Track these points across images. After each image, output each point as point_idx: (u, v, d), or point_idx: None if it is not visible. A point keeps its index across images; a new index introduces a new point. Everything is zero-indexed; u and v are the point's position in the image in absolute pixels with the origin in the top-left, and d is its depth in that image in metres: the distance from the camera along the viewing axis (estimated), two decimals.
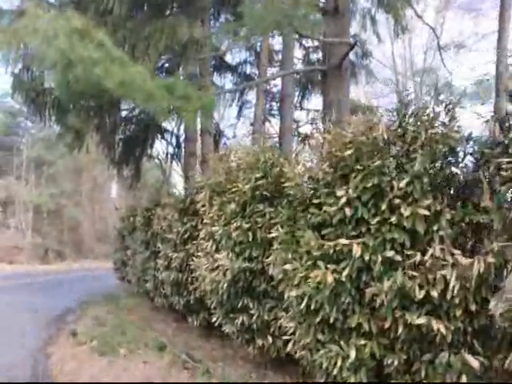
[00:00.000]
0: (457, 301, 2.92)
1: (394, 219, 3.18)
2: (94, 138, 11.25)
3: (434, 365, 3.06)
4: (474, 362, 2.84)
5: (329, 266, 3.32)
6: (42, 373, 5.25)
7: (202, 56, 8.08)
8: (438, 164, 3.40)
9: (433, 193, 3.24)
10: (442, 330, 2.90)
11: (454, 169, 3.41)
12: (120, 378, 4.98)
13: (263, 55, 11.36)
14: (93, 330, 7.12)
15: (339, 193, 3.43)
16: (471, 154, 3.43)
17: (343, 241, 3.26)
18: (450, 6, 19.34)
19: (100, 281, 15.41)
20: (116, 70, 4.55)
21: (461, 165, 3.41)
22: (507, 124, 3.20)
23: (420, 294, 2.97)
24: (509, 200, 3.01)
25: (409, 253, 3.13)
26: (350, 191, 3.38)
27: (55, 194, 29.29)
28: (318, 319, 3.45)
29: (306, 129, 15.47)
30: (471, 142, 3.49)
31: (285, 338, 4.05)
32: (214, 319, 5.23)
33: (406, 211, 3.13)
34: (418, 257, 3.05)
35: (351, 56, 9.25)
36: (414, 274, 3.04)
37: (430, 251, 3.03)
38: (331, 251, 3.33)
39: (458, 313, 2.95)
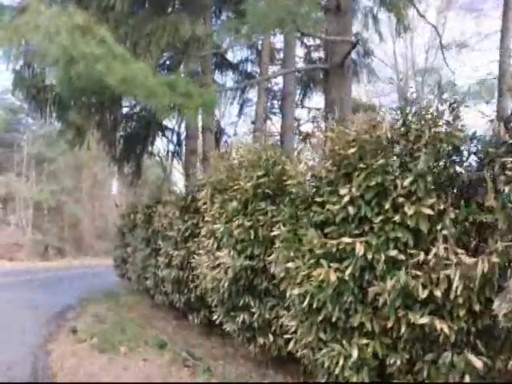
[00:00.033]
0: (460, 301, 2.90)
1: (397, 218, 3.16)
2: (94, 135, 11.21)
3: (436, 365, 3.05)
4: (478, 362, 2.82)
5: (331, 264, 3.31)
6: (42, 370, 5.23)
7: (204, 53, 8.04)
8: (441, 163, 3.38)
9: (436, 192, 3.22)
10: (446, 329, 2.88)
11: (457, 168, 3.40)
12: (120, 376, 4.96)
13: (264, 53, 11.34)
14: (93, 327, 7.10)
15: (342, 191, 3.41)
16: (475, 154, 3.42)
17: (346, 239, 3.25)
18: (451, 5, 19.32)
19: (100, 278, 15.40)
20: (118, 67, 4.52)
21: (465, 164, 3.39)
22: None
23: (423, 294, 2.96)
24: None
25: (412, 252, 3.11)
26: (354, 190, 3.36)
27: (56, 190, 29.28)
28: (320, 318, 3.43)
29: (307, 127, 15.48)
30: (475, 141, 3.47)
31: (286, 336, 4.04)
32: (214, 317, 5.22)
33: (409, 210, 3.11)
34: (422, 256, 3.03)
35: (353, 54, 9.22)
36: (418, 273, 3.02)
37: (434, 250, 3.01)
38: (334, 250, 3.31)
39: (462, 313, 2.93)
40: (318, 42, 13.72)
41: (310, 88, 13.94)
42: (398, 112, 3.72)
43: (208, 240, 5.22)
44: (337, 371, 3.32)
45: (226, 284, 4.58)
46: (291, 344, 3.94)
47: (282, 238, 3.90)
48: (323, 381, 3.65)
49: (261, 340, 4.57)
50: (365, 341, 3.25)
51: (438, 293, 2.92)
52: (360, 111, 5.95)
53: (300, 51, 13.89)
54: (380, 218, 3.25)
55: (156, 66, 7.82)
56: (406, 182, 3.21)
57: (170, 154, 14.29)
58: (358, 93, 17.62)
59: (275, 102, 15.02)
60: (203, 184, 5.81)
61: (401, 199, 3.21)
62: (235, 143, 6.26)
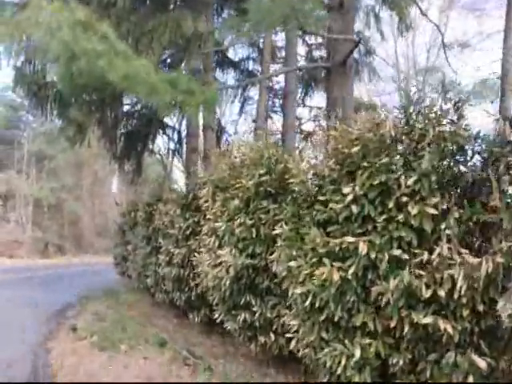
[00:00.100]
0: (464, 301, 2.88)
1: (401, 217, 3.14)
2: (95, 133, 11.20)
3: (439, 365, 3.03)
4: (481, 363, 2.80)
5: (334, 263, 3.29)
6: (43, 368, 5.21)
7: (206, 50, 8.01)
8: (446, 162, 3.36)
9: (440, 191, 3.20)
10: (449, 329, 2.86)
11: (462, 167, 3.37)
12: (120, 374, 4.94)
13: (266, 52, 11.29)
14: (93, 325, 7.09)
15: (346, 190, 3.38)
16: (479, 153, 3.39)
17: (349, 238, 3.22)
18: (453, 5, 19.28)
19: (100, 276, 15.39)
20: (120, 63, 4.50)
21: (469, 163, 3.37)
22: None
23: (427, 294, 2.94)
24: None
25: (416, 251, 3.09)
26: (357, 188, 3.34)
27: (56, 188, 29.28)
28: (322, 317, 3.41)
29: (308, 126, 15.45)
30: (479, 141, 3.45)
31: (287, 335, 4.02)
32: (215, 316, 5.20)
33: (413, 209, 3.09)
34: (426, 256, 3.01)
35: (354, 53, 9.19)
36: (421, 272, 3.00)
37: (438, 250, 2.99)
38: (337, 249, 3.29)
39: (466, 313, 2.91)
40: (319, 40, 13.69)
41: (311, 87, 13.91)
42: (402, 111, 3.70)
43: (209, 238, 5.20)
44: (339, 371, 3.30)
45: (228, 282, 4.56)
46: (293, 343, 3.92)
47: (285, 237, 3.88)
48: (325, 380, 3.63)
49: (262, 339, 4.55)
50: (367, 340, 3.23)
51: (441, 293, 2.90)
52: (361, 110, 5.94)
53: (301, 50, 13.86)
54: (383, 217, 3.23)
55: (158, 63, 7.79)
56: (410, 181, 3.18)
57: (170, 152, 14.29)
58: (359, 92, 17.58)
59: (276, 100, 15.00)
60: (204, 182, 5.79)
61: (404, 198, 3.18)
62: (237, 141, 6.23)
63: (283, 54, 13.72)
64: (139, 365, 5.20)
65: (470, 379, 2.86)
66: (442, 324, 2.89)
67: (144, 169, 14.79)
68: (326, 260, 3.33)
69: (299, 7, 4.86)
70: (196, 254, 5.67)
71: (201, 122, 11.15)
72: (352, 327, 3.34)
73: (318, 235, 3.45)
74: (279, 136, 11.64)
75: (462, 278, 2.85)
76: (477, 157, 3.41)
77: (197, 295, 6.11)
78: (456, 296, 2.87)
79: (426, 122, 3.44)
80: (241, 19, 6.96)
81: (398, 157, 3.45)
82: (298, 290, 3.53)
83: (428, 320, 2.94)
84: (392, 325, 3.12)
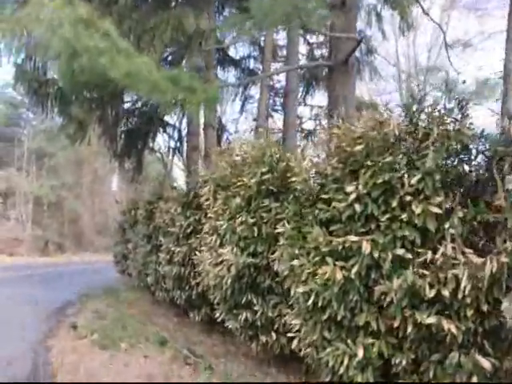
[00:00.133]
0: (468, 301, 2.86)
1: (404, 216, 3.12)
2: (96, 131, 11.17)
3: (442, 365, 3.01)
4: (485, 363, 2.78)
5: (337, 262, 3.27)
6: (43, 366, 5.19)
7: (208, 48, 7.98)
8: (450, 161, 3.34)
9: (444, 190, 3.18)
10: (453, 330, 2.84)
11: (466, 166, 3.36)
12: (121, 373, 4.93)
13: (267, 50, 11.26)
14: (93, 323, 7.07)
15: (349, 188, 3.36)
16: (484, 152, 3.37)
17: (352, 237, 3.20)
18: (455, 4, 19.22)
19: (100, 274, 15.38)
20: (122, 61, 4.47)
21: (473, 162, 3.35)
22: None
23: (430, 293, 2.92)
24: None
25: (419, 251, 3.07)
26: (360, 187, 3.32)
27: (56, 185, 29.27)
28: (324, 316, 3.39)
29: (309, 125, 15.43)
30: (483, 140, 3.43)
31: (289, 335, 4.00)
32: (216, 315, 5.17)
33: (417, 208, 3.07)
34: (429, 255, 2.99)
35: (356, 52, 9.17)
36: (425, 272, 2.98)
37: (442, 250, 2.97)
38: (340, 248, 3.27)
39: (470, 313, 2.89)
40: (320, 39, 13.66)
41: (312, 85, 13.87)
42: (405, 109, 3.68)
43: (210, 237, 5.18)
44: (341, 370, 3.28)
45: (229, 281, 4.54)
46: (294, 342, 3.90)
47: (287, 236, 3.86)
48: (327, 380, 3.61)
49: (263, 338, 4.54)
50: (370, 340, 3.22)
51: (445, 292, 2.88)
52: (362, 109, 5.91)
53: (303, 48, 13.82)
54: (387, 216, 3.21)
55: (159, 61, 7.76)
56: (414, 180, 3.16)
57: (170, 150, 14.26)
58: (360, 91, 17.54)
59: (277, 99, 14.97)
60: (206, 180, 5.77)
61: (408, 197, 3.16)
62: (238, 140, 6.21)
63: (284, 52, 13.69)
64: (140, 363, 5.19)
65: (474, 379, 2.84)
66: (445, 324, 2.87)
67: (144, 167, 14.75)
68: (329, 259, 3.31)
69: (302, 5, 4.84)
70: (197, 252, 5.65)
71: (201, 120, 11.13)
72: (355, 327, 3.33)
73: (320, 234, 3.43)
74: (280, 135, 11.60)
75: (466, 278, 2.83)
76: (481, 156, 3.40)
77: (197, 294, 6.09)
78: (460, 296, 2.85)
79: (430, 120, 3.43)
80: (243, 17, 6.93)
81: (402, 156, 3.43)
82: (301, 289, 3.51)
83: (431, 320, 2.92)
84: (395, 325, 3.10)
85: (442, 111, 3.46)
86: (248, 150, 5.06)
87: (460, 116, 3.40)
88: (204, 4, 8.26)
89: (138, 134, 11.85)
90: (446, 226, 3.05)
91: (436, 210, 3.05)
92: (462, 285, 2.84)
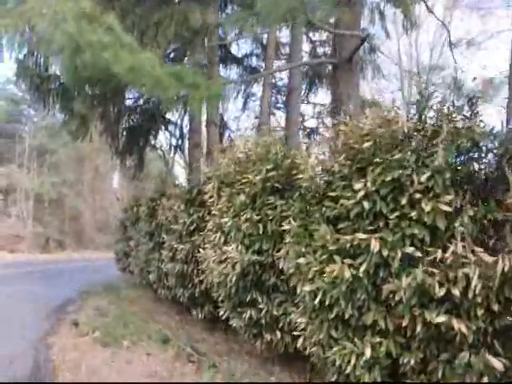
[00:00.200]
0: (479, 300, 2.81)
1: (414, 214, 3.07)
2: (97, 127, 11.12)
3: (451, 364, 2.97)
4: (497, 363, 2.74)
5: (345, 260, 3.22)
6: (44, 363, 5.15)
7: (212, 44, 7.92)
8: (460, 159, 3.29)
9: (454, 188, 3.13)
10: (463, 329, 2.80)
11: (476, 164, 3.31)
12: (123, 370, 4.89)
13: (270, 48, 11.19)
14: (94, 320, 7.04)
15: (357, 186, 3.32)
16: (494, 150, 3.32)
17: (361, 235, 3.16)
18: (458, 3, 19.15)
19: (100, 271, 15.37)
20: (125, 56, 4.42)
21: (484, 160, 3.30)
22: None
23: (440, 292, 2.87)
24: None
25: (429, 249, 3.03)
26: (369, 184, 3.27)
27: (57, 182, 29.25)
28: (332, 315, 3.35)
29: (311, 123, 15.39)
30: (492, 138, 3.38)
31: (295, 333, 3.96)
32: (220, 313, 5.13)
33: (426, 206, 3.02)
34: (439, 254, 2.94)
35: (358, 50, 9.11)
36: (434, 271, 2.93)
37: (452, 248, 2.92)
38: (348, 246, 3.22)
39: (480, 312, 2.85)
40: (323, 37, 13.62)
41: (315, 83, 13.82)
42: (414, 106, 3.64)
43: (214, 234, 5.13)
44: (348, 370, 3.24)
45: (234, 279, 4.49)
46: (300, 341, 3.86)
47: (293, 233, 3.81)
48: (333, 379, 3.57)
49: (268, 337, 4.49)
50: (378, 339, 3.17)
51: (455, 291, 2.83)
52: (365, 107, 5.83)
53: (305, 46, 13.76)
54: (396, 213, 3.16)
55: (163, 56, 7.70)
56: (423, 178, 3.11)
57: (172, 147, 14.22)
58: (362, 90, 17.46)
59: (279, 97, 14.91)
60: (209, 177, 5.72)
61: (418, 195, 3.11)
62: (242, 137, 6.16)
63: (287, 50, 13.64)
64: (142, 361, 5.16)
65: (485, 380, 2.80)
66: (455, 323, 2.82)
67: (145, 164, 14.73)
68: (336, 257, 3.26)
69: (308, 0, 4.78)
70: (200, 249, 5.60)
71: (203, 117, 11.08)
72: (362, 325, 3.28)
73: (328, 232, 3.39)
74: (282, 133, 11.54)
75: (476, 277, 2.79)
76: (491, 154, 3.35)
77: (201, 292, 6.05)
78: (470, 295, 2.81)
79: (439, 117, 3.38)
80: (246, 14, 6.88)
81: (410, 153, 3.38)
82: (307, 288, 3.47)
83: (441, 319, 2.87)
84: (404, 324, 3.05)
85: (451, 108, 3.42)
86: (252, 147, 5.01)
87: (470, 113, 3.35)
88: (208, 0, 8.19)
89: (139, 131, 11.80)
90: (456, 224, 3.01)
91: (446, 208, 3.01)
92: (473, 284, 2.79)
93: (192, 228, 6.26)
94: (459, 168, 3.26)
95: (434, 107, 3.50)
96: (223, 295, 4.93)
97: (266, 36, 12.04)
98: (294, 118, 10.83)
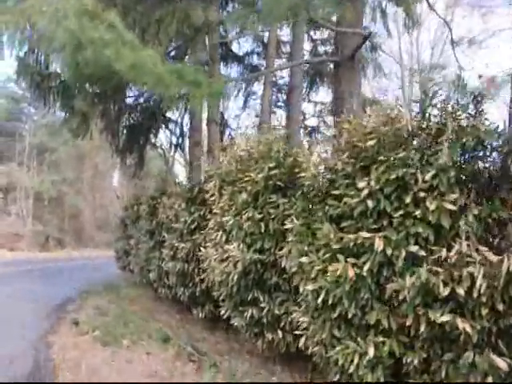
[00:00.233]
0: (483, 299, 2.79)
1: (418, 213, 3.05)
2: (98, 125, 11.08)
3: (455, 364, 2.95)
4: (501, 363, 2.72)
5: (348, 259, 3.20)
6: (44, 362, 5.13)
7: (213, 42, 7.88)
8: (464, 157, 3.27)
9: (459, 186, 3.11)
10: (468, 329, 2.77)
11: (481, 163, 3.28)
12: (123, 369, 4.87)
13: (271, 46, 11.15)
14: (95, 319, 7.01)
15: (361, 184, 3.29)
16: (499, 148, 3.29)
17: (364, 234, 3.13)
18: (459, 2, 19.10)
19: (100, 270, 15.35)
20: (127, 53, 4.39)
21: (489, 159, 3.27)
22: None
23: (445, 292, 2.85)
24: None
25: (433, 248, 3.00)
26: (372, 183, 3.25)
27: (57, 181, 29.21)
28: (334, 314, 3.32)
29: (312, 121, 15.36)
30: (498, 136, 3.35)
31: (297, 332, 3.94)
32: (222, 312, 5.11)
33: (431, 205, 3.00)
34: (444, 252, 2.92)
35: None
36: (439, 270, 2.91)
37: (456, 247, 2.90)
38: (351, 244, 3.20)
39: (485, 312, 2.82)
40: (324, 35, 13.57)
41: (316, 82, 13.78)
42: (416, 105, 3.62)
43: (216, 232, 5.11)
44: (351, 369, 3.22)
45: (235, 278, 4.47)
46: (302, 340, 3.84)
47: (296, 232, 3.79)
48: (335, 379, 3.55)
49: (269, 336, 4.47)
50: (381, 339, 3.15)
51: (460, 291, 2.81)
52: (366, 106, 5.78)
53: (306, 45, 13.71)
54: (400, 212, 3.14)
55: (164, 54, 7.67)
56: (428, 176, 3.09)
57: (172, 146, 14.18)
58: (363, 88, 17.41)
59: (280, 95, 14.88)
60: (211, 175, 5.69)
61: (422, 193, 3.09)
62: (243, 135, 6.13)
63: (288, 48, 13.60)
64: (143, 360, 5.13)
65: (489, 380, 2.77)
66: (460, 323, 2.80)
67: (146, 163, 14.69)
68: (340, 256, 3.23)
69: None
70: (201, 248, 5.58)
71: (204, 115, 11.05)
72: (365, 325, 3.26)
73: (331, 230, 3.37)
74: (283, 131, 11.50)
75: (481, 276, 2.76)
76: (495, 152, 3.32)
77: (201, 290, 6.03)
78: (475, 294, 2.78)
79: (444, 115, 3.36)
80: (247, 11, 6.84)
81: (414, 151, 3.36)
82: (310, 287, 3.44)
83: (445, 318, 2.85)
84: (408, 323, 3.03)
85: (455, 106, 3.39)
86: (254, 146, 4.99)
87: (475, 112, 3.33)
88: None
89: (140, 129, 11.76)
90: (461, 223, 2.98)
91: (450, 206, 2.99)
92: (478, 283, 2.77)
93: (193, 226, 6.24)
94: (464, 166, 3.24)
95: (438, 105, 3.49)
96: (224, 294, 4.90)
97: (267, 34, 12.00)
98: (295, 117, 10.79)
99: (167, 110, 11.03)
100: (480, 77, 3.42)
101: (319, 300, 3.36)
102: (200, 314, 6.30)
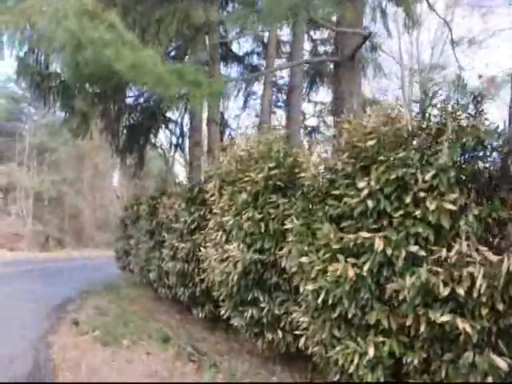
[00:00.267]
0: (483, 299, 2.79)
1: (418, 213, 3.05)
2: (98, 125, 11.09)
3: (455, 364, 2.95)
4: (502, 363, 2.72)
5: (348, 259, 3.20)
6: (44, 362, 5.12)
7: (213, 42, 7.88)
8: (464, 157, 3.27)
9: (459, 186, 3.11)
10: (468, 329, 2.77)
11: (481, 163, 3.28)
12: (124, 370, 4.87)
13: (271, 46, 11.15)
14: (95, 319, 7.01)
15: (361, 184, 3.29)
16: (499, 148, 3.29)
17: (364, 234, 3.13)
18: (459, 2, 19.10)
19: (100, 270, 15.34)
20: (127, 53, 4.39)
21: (489, 159, 3.27)
22: None
23: (445, 292, 2.85)
24: None
25: (433, 248, 3.00)
26: (372, 183, 3.24)
27: (57, 181, 29.20)
28: (334, 314, 3.32)
29: (312, 121, 15.36)
30: (497, 136, 3.35)
31: (297, 332, 3.94)
32: (222, 312, 5.10)
33: (431, 205, 3.00)
34: (444, 253, 2.92)
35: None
36: (439, 270, 2.91)
37: (456, 247, 2.90)
38: (351, 244, 3.20)
39: (485, 312, 2.82)
40: (324, 35, 13.57)
41: (316, 82, 13.78)
42: (416, 105, 3.62)
43: (216, 233, 5.11)
44: (351, 369, 3.22)
45: (235, 278, 4.47)
46: (302, 340, 3.84)
47: (296, 232, 3.79)
48: (335, 379, 3.55)
49: (269, 336, 4.47)
50: (381, 339, 3.15)
51: (460, 291, 2.80)
52: (366, 106, 5.77)
53: (306, 45, 13.71)
54: (400, 212, 3.14)
55: (164, 54, 7.66)
56: (428, 176, 3.09)
57: (172, 146, 14.19)
58: (363, 88, 17.40)
59: (280, 95, 14.88)
60: (211, 175, 5.69)
61: (422, 193, 3.09)
62: (244, 135, 6.13)
63: (288, 48, 13.60)
64: (143, 360, 5.13)
65: (489, 380, 2.77)
66: (460, 323, 2.80)
67: (145, 163, 14.69)
68: (340, 256, 3.23)
69: None
70: (201, 248, 5.58)
71: (204, 115, 11.05)
72: (365, 325, 3.26)
73: (331, 230, 3.37)
74: (284, 131, 11.50)
75: (481, 276, 2.76)
76: (495, 152, 3.32)
77: (201, 290, 6.03)
78: (475, 294, 2.78)
79: (443, 115, 3.36)
80: (247, 11, 6.84)
81: (414, 151, 3.36)
82: (310, 287, 3.44)
83: (445, 318, 2.85)
84: (408, 323, 3.03)
85: (455, 106, 3.39)
86: (254, 145, 4.99)
87: (475, 112, 3.33)
88: None
89: (140, 129, 11.76)
90: (461, 223, 2.98)
91: (450, 206, 2.98)
92: (478, 283, 2.77)
93: (193, 227, 6.24)
94: (464, 166, 3.24)
95: (438, 105, 3.49)
96: (224, 294, 4.90)
97: (267, 34, 12.00)
98: (295, 117, 10.79)
99: (167, 110, 11.03)
100: (480, 77, 3.41)
101: (319, 300, 3.36)
102: (200, 314, 6.30)
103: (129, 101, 11.53)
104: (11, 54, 7.62)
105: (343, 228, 3.43)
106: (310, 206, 3.89)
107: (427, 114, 3.49)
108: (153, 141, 13.57)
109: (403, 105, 3.97)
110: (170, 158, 17.69)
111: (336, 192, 3.55)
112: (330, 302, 3.30)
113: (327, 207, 3.60)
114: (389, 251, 3.05)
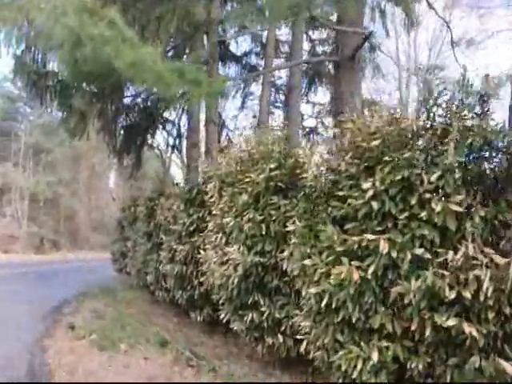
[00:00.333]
0: (490, 303, 2.73)
1: (423, 214, 2.98)
2: (95, 126, 10.99)
3: (460, 369, 2.88)
4: (509, 368, 2.66)
5: (352, 262, 3.13)
6: (40, 367, 5.01)
7: (213, 40, 7.81)
8: (470, 158, 3.21)
9: (465, 188, 3.05)
10: (474, 333, 2.71)
11: (487, 164, 3.23)
12: (121, 374, 4.77)
13: (270, 46, 11.10)
14: (91, 323, 6.89)
15: (365, 185, 3.22)
16: (505, 148, 3.24)
17: (369, 236, 3.06)
18: (457, 3, 19.13)
19: (96, 272, 15.23)
20: (127, 50, 4.32)
21: (495, 159, 3.22)
22: None
23: (451, 295, 2.78)
24: None
25: (439, 251, 2.94)
26: (377, 184, 3.18)
27: (52, 182, 29.01)
28: (338, 319, 3.25)
29: (310, 122, 15.34)
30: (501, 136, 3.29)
31: (298, 337, 3.86)
32: (221, 315, 5.02)
33: (437, 206, 2.93)
34: (450, 255, 2.85)
35: None
36: (444, 273, 2.84)
37: (463, 249, 2.84)
38: (355, 247, 3.13)
39: (491, 315, 2.76)
40: (323, 36, 13.56)
41: (314, 82, 13.75)
42: (414, 105, 3.57)
43: (216, 235, 5.03)
44: (354, 374, 3.15)
45: (235, 281, 4.39)
46: (303, 345, 3.76)
47: (298, 234, 3.71)
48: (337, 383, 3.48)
49: (269, 340, 4.39)
50: (385, 343, 3.08)
51: (466, 294, 2.74)
52: (365, 106, 5.72)
53: (305, 45, 13.68)
54: (405, 214, 3.08)
55: (164, 52, 7.59)
56: (434, 177, 3.03)
57: (169, 147, 14.11)
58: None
59: (278, 96, 14.85)
60: (210, 176, 5.61)
61: (427, 195, 3.03)
62: (242, 136, 6.06)
63: (286, 48, 13.57)
64: (140, 365, 5.03)
65: None
66: (466, 327, 2.73)
67: (142, 163, 14.60)
68: (344, 259, 3.16)
69: None
70: (200, 250, 5.50)
71: (202, 116, 10.98)
72: (369, 329, 3.19)
73: (334, 232, 3.30)
74: (284, 131, 11.44)
75: (488, 279, 2.70)
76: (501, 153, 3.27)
77: (200, 294, 5.94)
78: (482, 298, 2.72)
79: (449, 115, 3.30)
80: (246, 10, 6.79)
81: (419, 152, 3.30)
82: (313, 290, 3.37)
83: (451, 322, 2.79)
84: (412, 327, 2.96)
85: (460, 106, 3.34)
86: (255, 146, 4.92)
87: (481, 111, 3.27)
88: None
89: (137, 129, 11.66)
90: (467, 225, 2.92)
91: (456, 208, 2.92)
92: (484, 286, 2.71)
93: (192, 228, 6.15)
94: (470, 167, 3.18)
95: (443, 105, 3.43)
96: (224, 297, 4.82)
97: (265, 34, 11.96)
98: (294, 117, 10.74)
99: (166, 109, 10.96)
100: (487, 76, 3.36)
101: (322, 304, 3.28)
102: (198, 318, 6.21)
103: (126, 101, 11.44)
104: (8, 52, 7.51)
105: (347, 230, 3.36)
106: (313, 207, 3.82)
107: (432, 114, 3.44)
108: (150, 141, 13.47)
109: (401, 106, 3.91)
110: (166, 159, 17.61)
111: (339, 193, 3.49)
112: (333, 305, 3.23)
113: (330, 209, 3.53)
114: (394, 254, 2.98)
